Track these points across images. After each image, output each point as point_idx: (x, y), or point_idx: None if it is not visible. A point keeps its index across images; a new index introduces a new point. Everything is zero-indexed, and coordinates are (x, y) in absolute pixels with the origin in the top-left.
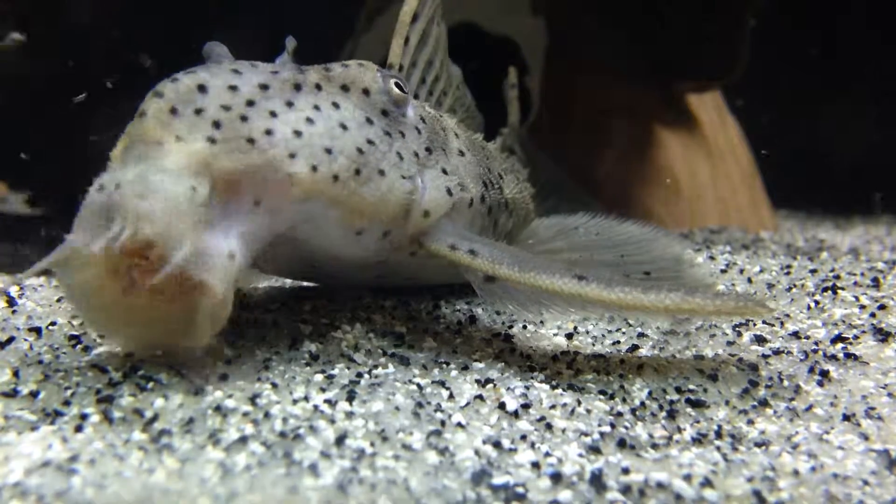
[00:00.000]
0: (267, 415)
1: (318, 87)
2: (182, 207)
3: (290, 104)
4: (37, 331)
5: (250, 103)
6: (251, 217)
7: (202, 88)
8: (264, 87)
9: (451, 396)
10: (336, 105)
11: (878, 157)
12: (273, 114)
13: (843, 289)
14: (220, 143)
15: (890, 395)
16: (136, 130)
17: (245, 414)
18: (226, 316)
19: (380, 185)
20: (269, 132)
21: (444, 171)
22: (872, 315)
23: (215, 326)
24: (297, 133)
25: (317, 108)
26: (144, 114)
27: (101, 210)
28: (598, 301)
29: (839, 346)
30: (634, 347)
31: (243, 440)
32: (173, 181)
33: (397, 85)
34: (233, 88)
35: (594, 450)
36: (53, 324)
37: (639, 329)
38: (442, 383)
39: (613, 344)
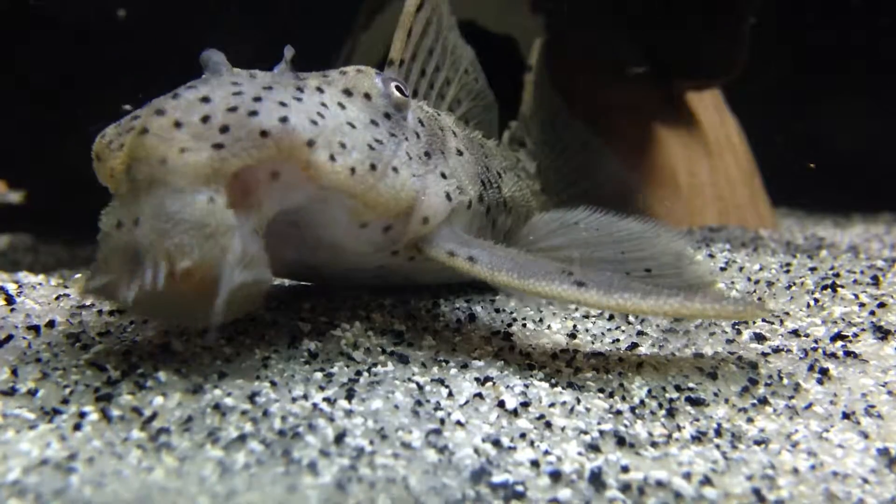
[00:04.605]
0: (266, 413)
1: (321, 90)
2: (209, 230)
3: (298, 99)
4: (35, 329)
5: (257, 99)
6: (269, 191)
7: (205, 99)
8: (268, 88)
9: (450, 395)
10: (342, 105)
11: (878, 154)
12: (283, 104)
13: (842, 287)
14: (228, 147)
15: (890, 393)
16: (138, 148)
17: (244, 412)
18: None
19: (395, 181)
20: (283, 119)
21: (443, 175)
22: (872, 313)
23: (256, 303)
24: (313, 122)
25: (324, 105)
26: (146, 130)
27: (125, 250)
28: (598, 307)
29: (839, 344)
30: (634, 345)
31: (242, 438)
32: (191, 202)
33: (398, 88)
34: (237, 94)
35: (593, 448)
36: (52, 322)
37: (638, 327)
38: (441, 381)
39: (613, 342)
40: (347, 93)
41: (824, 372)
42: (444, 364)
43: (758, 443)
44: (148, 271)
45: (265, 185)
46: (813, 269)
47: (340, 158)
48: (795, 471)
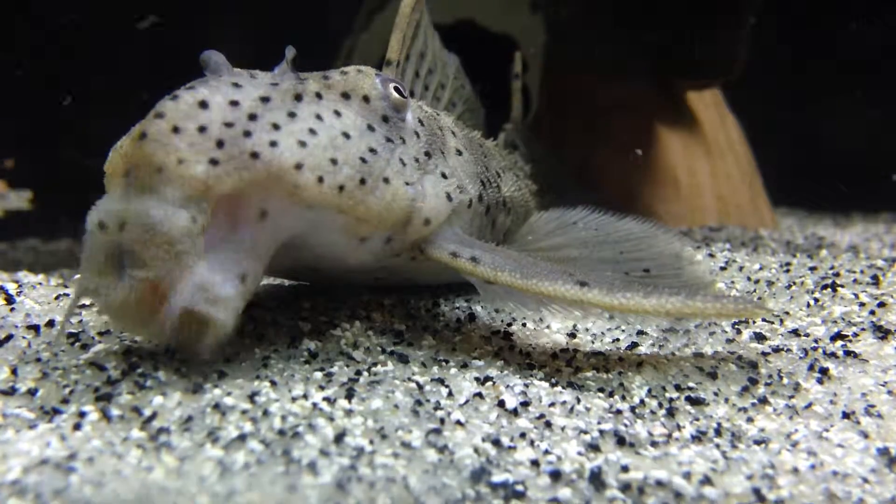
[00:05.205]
0: (266, 413)
1: (319, 95)
2: (181, 246)
3: (292, 115)
4: (35, 328)
5: (252, 117)
6: (258, 230)
7: (203, 105)
8: (265, 99)
9: (450, 394)
10: (338, 113)
11: (878, 154)
12: (276, 126)
13: (842, 286)
14: (223, 164)
15: (889, 392)
16: (137, 153)
17: (244, 412)
18: (229, 334)
19: (385, 193)
20: (273, 144)
21: (444, 175)
22: (872, 312)
23: (218, 342)
24: (302, 144)
25: (319, 117)
26: (145, 135)
27: (106, 251)
28: (600, 306)
29: (839, 343)
30: (634, 345)
31: (242, 438)
32: (173, 216)
33: (396, 89)
34: (234, 104)
35: (593, 447)
36: (52, 321)
37: (638, 327)
38: (441, 381)
39: (613, 342)
40: (346, 96)
41: (824, 371)
42: (443, 363)
43: (758, 442)
44: (131, 279)
45: (257, 223)
46: (813, 269)
47: (329, 178)
48: (795, 470)
